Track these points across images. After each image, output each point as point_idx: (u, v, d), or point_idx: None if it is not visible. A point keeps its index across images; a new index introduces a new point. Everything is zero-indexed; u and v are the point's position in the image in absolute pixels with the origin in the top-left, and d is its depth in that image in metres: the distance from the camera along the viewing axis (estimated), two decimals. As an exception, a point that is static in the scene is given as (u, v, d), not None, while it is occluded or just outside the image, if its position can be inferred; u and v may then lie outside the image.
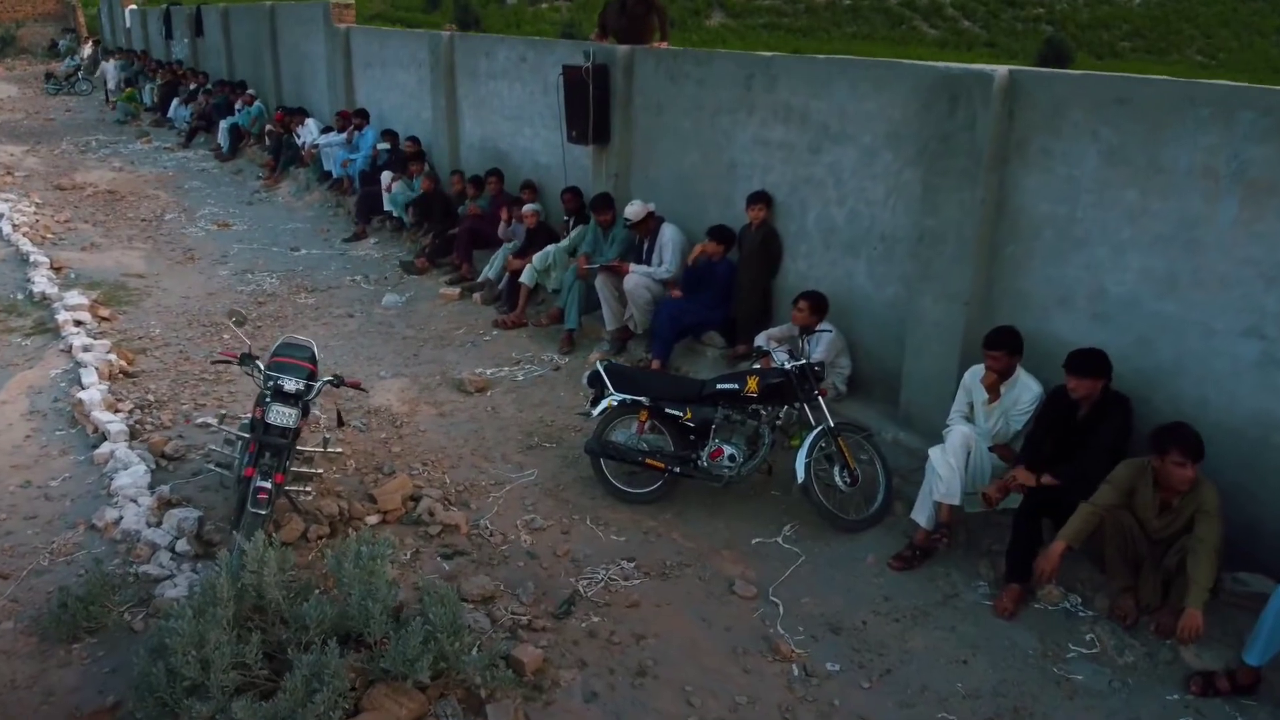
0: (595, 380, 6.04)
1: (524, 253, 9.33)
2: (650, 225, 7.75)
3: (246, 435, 5.22)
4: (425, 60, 11.61)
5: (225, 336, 8.05)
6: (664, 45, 8.06)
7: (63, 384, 7.56)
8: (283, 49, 16.44)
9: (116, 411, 6.90)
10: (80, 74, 27.68)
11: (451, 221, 10.78)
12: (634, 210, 7.67)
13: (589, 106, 8.16)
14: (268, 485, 4.87)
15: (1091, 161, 4.96)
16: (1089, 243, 5.05)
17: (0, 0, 39.91)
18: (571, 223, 9.07)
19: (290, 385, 5.07)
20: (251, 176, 15.95)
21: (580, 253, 8.82)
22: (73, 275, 10.46)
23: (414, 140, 11.80)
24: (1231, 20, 46.58)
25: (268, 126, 16.33)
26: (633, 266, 7.69)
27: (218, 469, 5.46)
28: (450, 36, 10.97)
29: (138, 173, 16.51)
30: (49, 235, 12.26)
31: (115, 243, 12.08)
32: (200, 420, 6.92)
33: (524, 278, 8.93)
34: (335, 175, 13.49)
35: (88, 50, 32.44)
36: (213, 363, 6.83)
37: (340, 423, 5.63)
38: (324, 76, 14.71)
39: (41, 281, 9.77)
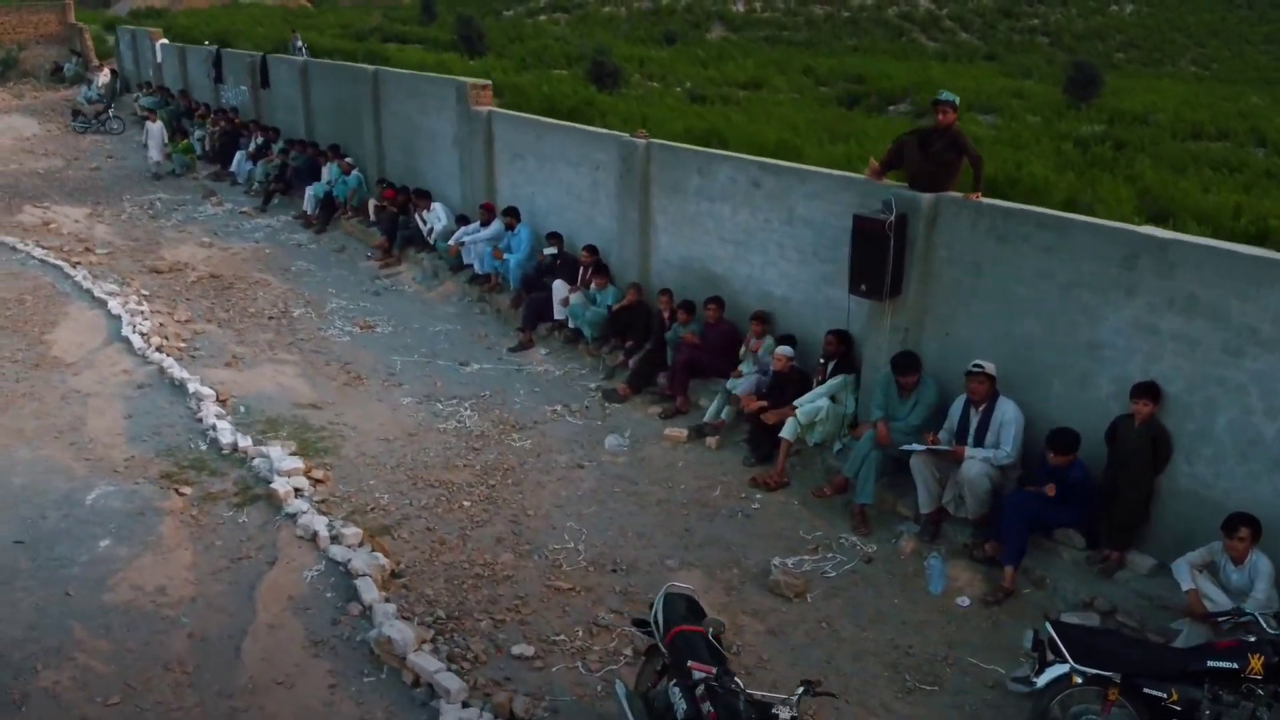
0: (1041, 643, 5.22)
1: (772, 398, 8.50)
2: (983, 392, 6.94)
3: None
4: (606, 163, 10.70)
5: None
6: (978, 197, 7.25)
7: (328, 594, 6.63)
8: (388, 119, 15.37)
9: (424, 645, 5.98)
10: (111, 111, 26.28)
11: (654, 341, 9.92)
12: (993, 368, 6.90)
13: (888, 261, 7.34)
14: None
15: None
16: None
17: (0, 21, 38.14)
18: (831, 368, 8.26)
19: (785, 715, 4.19)
20: (358, 255, 14.91)
21: (839, 406, 8.08)
22: (242, 410, 9.45)
23: (592, 249, 10.90)
24: (1220, 29, 46.69)
25: (372, 201, 15.30)
26: (969, 449, 6.88)
27: None
28: (646, 145, 10.08)
29: (230, 248, 15.40)
30: (179, 345, 11.20)
31: (258, 354, 11.04)
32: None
33: (785, 432, 8.09)
34: (479, 271, 12.54)
35: (103, 78, 30.93)
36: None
37: None
38: (451, 159, 13.68)
39: (225, 429, 8.75)
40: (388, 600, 6.41)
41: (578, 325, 10.80)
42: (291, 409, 9.53)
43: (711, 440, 8.83)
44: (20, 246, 15.03)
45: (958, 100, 7.48)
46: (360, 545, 7.04)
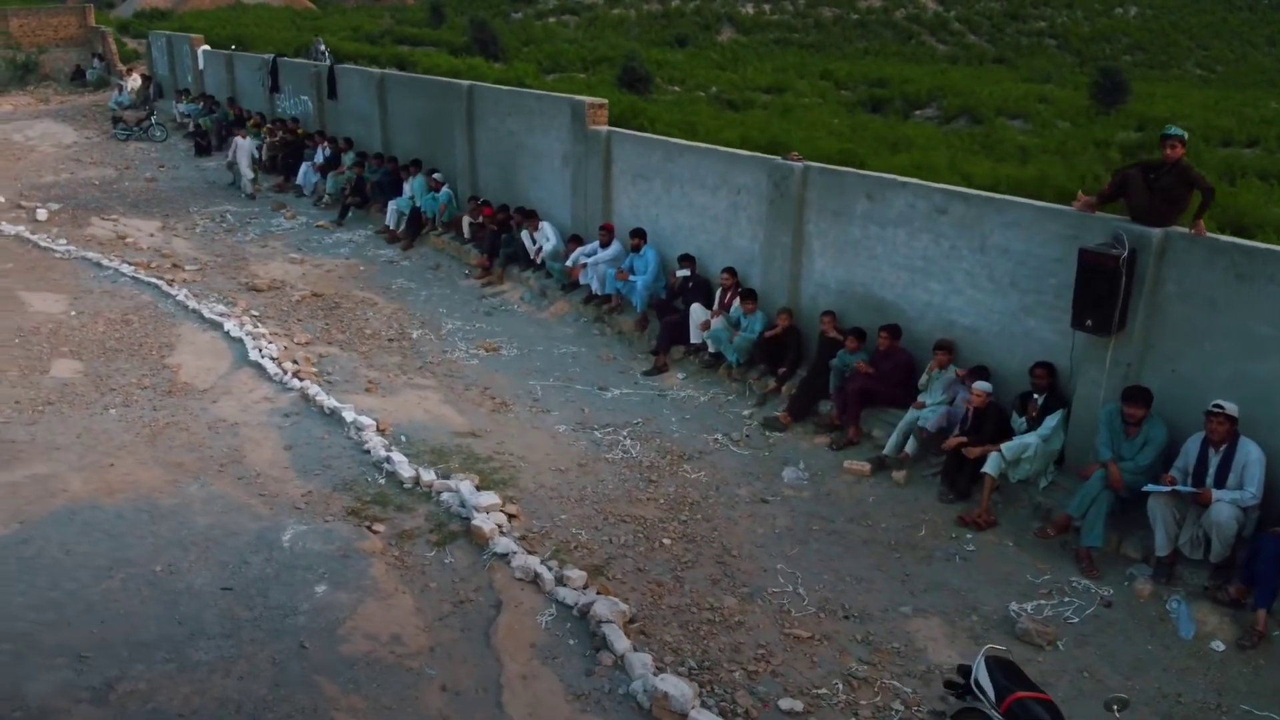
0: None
1: (969, 432, 8.30)
2: (1223, 433, 6.78)
3: None
4: (750, 186, 10.50)
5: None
6: (1201, 227, 7.11)
7: (569, 641, 6.41)
8: (483, 135, 15.09)
9: (697, 701, 5.76)
10: (153, 119, 25.83)
11: (814, 367, 9.73)
12: (1235, 409, 6.76)
13: (1118, 296, 7.19)
14: None
15: None
16: None
17: (19, 25, 37.61)
18: (1040, 402, 8.07)
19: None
20: (454, 273, 14.66)
21: (1048, 442, 7.91)
22: (403, 439, 9.19)
23: (731, 272, 10.71)
24: (1223, 31, 46.81)
25: (467, 219, 15.06)
26: (1216, 492, 6.72)
27: None
28: (804, 168, 9.90)
29: (321, 264, 15.12)
30: (310, 369, 10.92)
31: (393, 378, 10.77)
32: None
33: (989, 468, 7.90)
34: (598, 292, 12.32)
35: (134, 83, 30.44)
36: None
37: None
38: (559, 178, 13.43)
39: (402, 462, 8.49)
40: (636, 649, 6.20)
41: (719, 350, 10.61)
42: (452, 438, 9.27)
43: (898, 475, 8.63)
44: (106, 262, 14.71)
45: (1186, 135, 7.34)
46: (586, 588, 6.82)
